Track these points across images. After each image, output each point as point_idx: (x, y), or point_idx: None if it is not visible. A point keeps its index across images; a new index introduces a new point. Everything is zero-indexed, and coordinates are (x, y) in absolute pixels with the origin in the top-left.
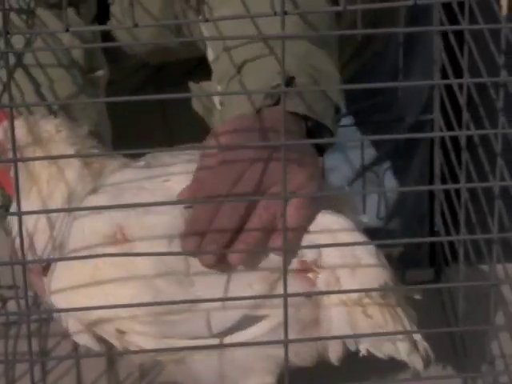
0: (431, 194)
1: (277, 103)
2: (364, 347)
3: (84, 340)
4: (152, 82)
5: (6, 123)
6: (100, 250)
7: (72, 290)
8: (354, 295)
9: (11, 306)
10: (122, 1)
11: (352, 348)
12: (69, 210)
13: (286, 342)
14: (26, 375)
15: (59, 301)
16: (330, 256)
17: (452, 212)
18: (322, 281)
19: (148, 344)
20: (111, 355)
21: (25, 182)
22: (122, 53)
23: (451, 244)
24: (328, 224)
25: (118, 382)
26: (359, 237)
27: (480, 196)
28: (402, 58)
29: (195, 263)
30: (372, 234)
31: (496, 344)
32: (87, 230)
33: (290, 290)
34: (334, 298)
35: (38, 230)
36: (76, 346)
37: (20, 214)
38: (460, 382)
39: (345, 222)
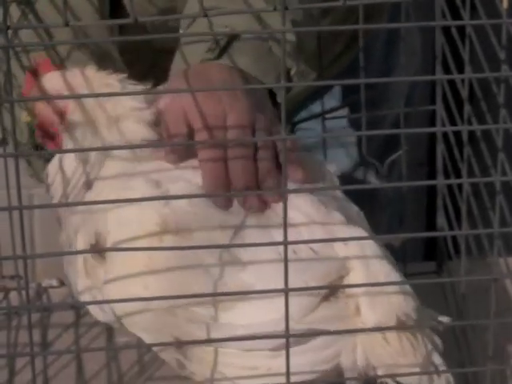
0: (431, 188)
1: (217, 58)
2: (382, 375)
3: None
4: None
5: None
6: (150, 241)
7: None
8: (372, 324)
9: (14, 295)
10: None
11: (370, 374)
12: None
13: (287, 337)
14: (27, 367)
15: (113, 292)
16: (356, 280)
17: (454, 206)
18: (341, 303)
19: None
20: (112, 349)
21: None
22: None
23: (453, 238)
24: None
25: (119, 376)
26: (387, 265)
27: (482, 190)
28: (386, 51)
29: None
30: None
31: (497, 338)
32: (135, 220)
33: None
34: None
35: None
36: (77, 338)
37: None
38: (462, 376)
39: (376, 248)
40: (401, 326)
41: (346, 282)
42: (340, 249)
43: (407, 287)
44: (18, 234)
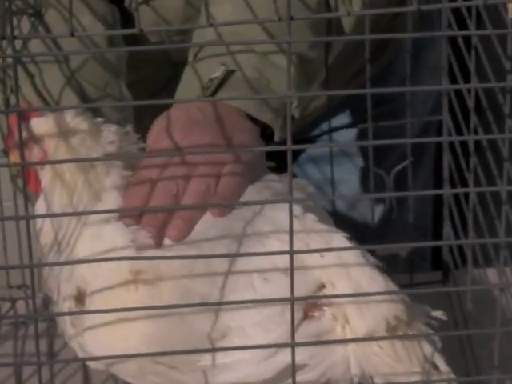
0: (437, 197)
1: (213, 94)
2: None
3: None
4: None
5: (33, 120)
6: (125, 289)
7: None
8: (362, 331)
9: (20, 305)
10: None
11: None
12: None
13: (292, 346)
14: (34, 376)
15: (91, 341)
16: (340, 291)
17: (461, 216)
18: (327, 317)
19: None
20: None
21: (51, 181)
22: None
23: (460, 247)
24: (341, 254)
25: None
26: (371, 271)
27: (488, 200)
28: (410, 65)
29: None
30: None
31: (504, 347)
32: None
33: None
34: (342, 333)
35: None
36: None
37: (28, 217)
38: None
39: (359, 254)
40: (393, 331)
41: (329, 293)
42: (315, 261)
43: (393, 288)
44: (24, 243)
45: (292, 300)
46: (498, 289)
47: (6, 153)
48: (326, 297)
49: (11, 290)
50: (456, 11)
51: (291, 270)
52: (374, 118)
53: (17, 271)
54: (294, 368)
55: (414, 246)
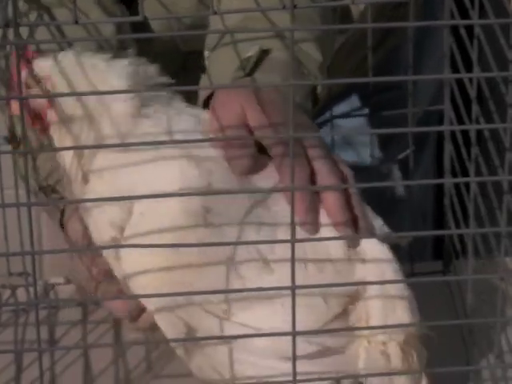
0: (438, 187)
1: (248, 75)
2: None
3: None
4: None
5: (36, 62)
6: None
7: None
8: (380, 337)
9: (20, 292)
10: None
11: None
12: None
13: (293, 334)
14: (34, 363)
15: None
16: (371, 291)
17: (462, 207)
18: (353, 316)
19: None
20: (120, 345)
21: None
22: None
23: (460, 237)
24: (375, 255)
25: (126, 373)
26: (399, 274)
27: (489, 190)
28: (414, 52)
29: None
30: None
31: (504, 337)
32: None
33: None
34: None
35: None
36: (84, 335)
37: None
38: (467, 375)
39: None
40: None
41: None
42: (359, 269)
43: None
44: (25, 231)
45: (293, 288)
46: (498, 278)
47: (8, 140)
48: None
49: (11, 277)
50: (458, 1)
51: (292, 259)
52: (381, 103)
53: (17, 259)
54: (294, 356)
55: (414, 235)
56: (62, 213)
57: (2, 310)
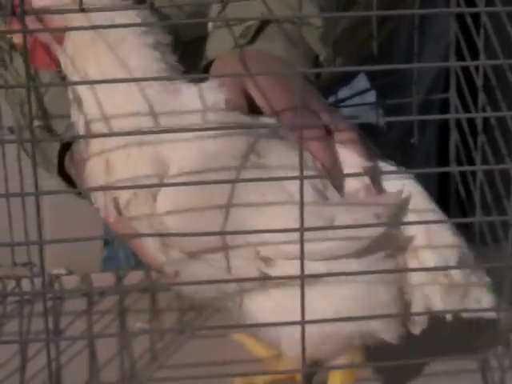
0: (442, 176)
1: (250, 43)
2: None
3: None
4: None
5: None
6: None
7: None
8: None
9: (25, 283)
10: None
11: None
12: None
13: (302, 323)
14: (39, 354)
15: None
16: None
17: (468, 196)
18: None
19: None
20: (125, 335)
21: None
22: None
23: (467, 226)
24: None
25: (131, 363)
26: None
27: (496, 178)
28: (412, 38)
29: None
30: None
31: None
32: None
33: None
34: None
35: None
36: (90, 326)
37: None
38: (476, 363)
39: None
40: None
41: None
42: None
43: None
44: (30, 221)
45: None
46: (506, 267)
47: (12, 131)
48: None
49: (16, 267)
50: None
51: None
52: (384, 86)
53: (21, 249)
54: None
55: (418, 224)
56: (64, 149)
57: (6, 300)
